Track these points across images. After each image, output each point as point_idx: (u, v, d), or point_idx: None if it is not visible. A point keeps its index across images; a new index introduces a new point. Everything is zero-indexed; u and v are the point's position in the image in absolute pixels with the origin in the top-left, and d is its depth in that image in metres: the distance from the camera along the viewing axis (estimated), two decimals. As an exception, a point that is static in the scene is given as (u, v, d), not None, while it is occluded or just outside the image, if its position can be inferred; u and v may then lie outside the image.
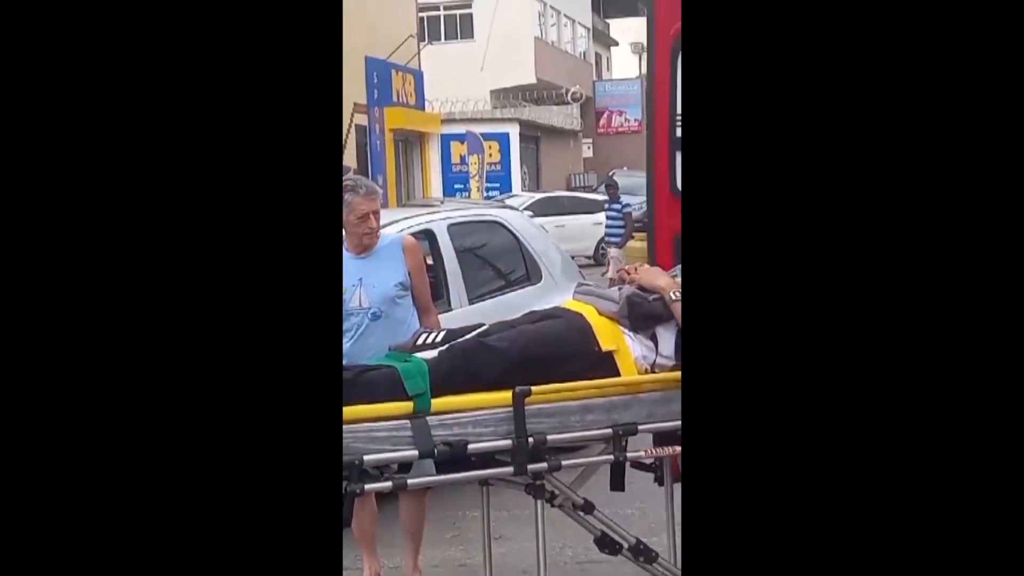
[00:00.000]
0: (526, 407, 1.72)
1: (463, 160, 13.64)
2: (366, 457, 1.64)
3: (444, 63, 14.28)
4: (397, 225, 3.55)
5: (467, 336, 1.89)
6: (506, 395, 1.71)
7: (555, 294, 3.98)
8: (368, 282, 2.46)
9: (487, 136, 13.36)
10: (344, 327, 2.34)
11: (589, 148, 18.61)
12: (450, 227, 3.73)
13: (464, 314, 3.66)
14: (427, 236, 3.69)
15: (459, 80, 14.41)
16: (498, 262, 4.04)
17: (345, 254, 2.40)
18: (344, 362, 1.87)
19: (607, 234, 8.66)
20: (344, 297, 2.35)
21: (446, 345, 1.87)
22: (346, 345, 2.30)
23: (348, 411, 1.60)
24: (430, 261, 3.87)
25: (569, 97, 17.24)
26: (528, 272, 3.97)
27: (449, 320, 3.61)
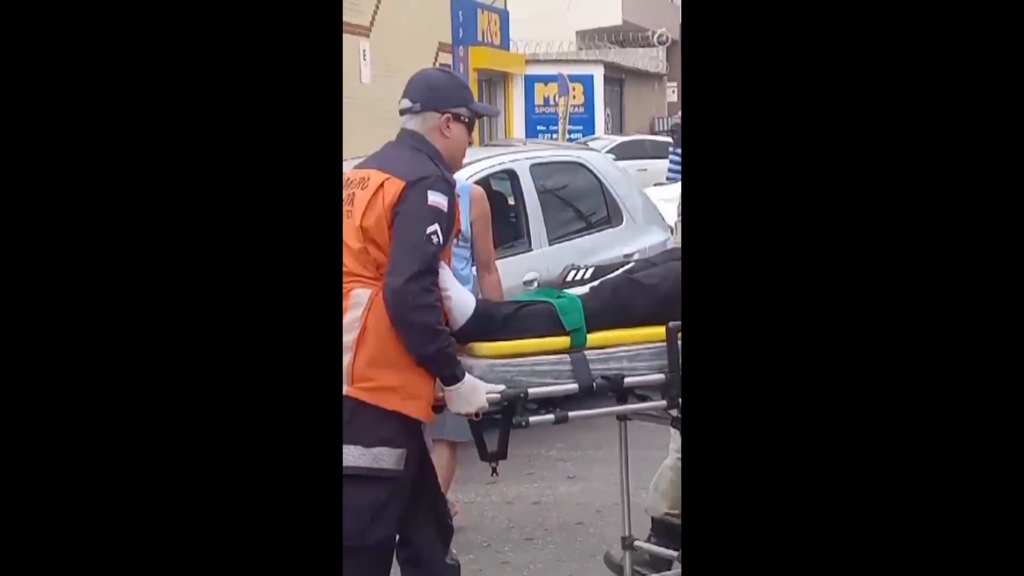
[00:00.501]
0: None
1: (546, 101, 13.52)
2: (530, 390, 1.69)
3: (530, 3, 14.00)
4: (480, 164, 3.56)
5: (616, 273, 1.92)
6: (660, 330, 1.74)
7: (637, 236, 3.99)
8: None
9: (572, 78, 13.13)
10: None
11: (674, 92, 18.04)
12: (532, 167, 3.74)
13: (545, 254, 3.73)
14: (509, 176, 3.74)
15: (544, 20, 14.19)
16: (580, 204, 4.05)
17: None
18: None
19: (668, 178, 8.51)
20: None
21: (596, 282, 1.90)
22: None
23: (510, 345, 1.69)
24: (511, 202, 3.91)
25: (655, 40, 16.65)
26: (609, 214, 3.96)
27: (529, 260, 3.74)
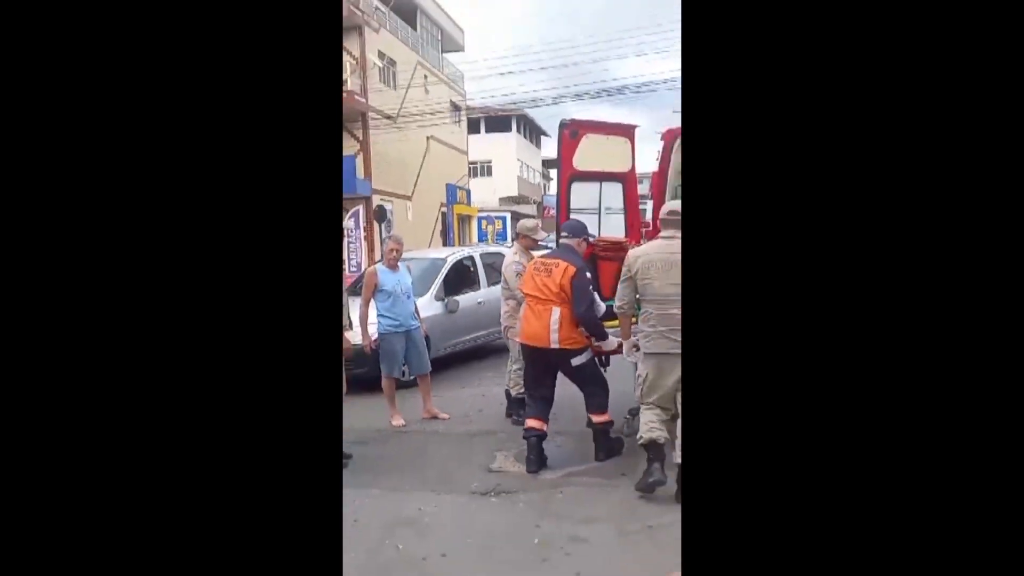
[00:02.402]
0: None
1: (485, 227, 28.46)
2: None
3: (480, 187, 29.53)
4: (460, 253, 8.21)
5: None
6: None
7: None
8: (400, 281, 5.25)
9: (498, 217, 28.18)
10: (393, 302, 5.25)
11: (541, 222, 38.45)
12: (481, 255, 8.42)
13: (485, 292, 7.90)
14: (470, 259, 8.19)
15: (487, 194, 30.40)
16: (499, 271, 7.90)
17: (383, 267, 5.34)
18: (394, 320, 5.20)
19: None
20: (387, 288, 5.25)
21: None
22: (395, 311, 5.29)
23: (610, 324, 4.04)
24: (472, 269, 8.13)
25: (532, 200, 33.87)
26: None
27: (478, 295, 7.85)
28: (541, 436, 4.37)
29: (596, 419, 4.43)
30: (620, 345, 4.28)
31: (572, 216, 5.30)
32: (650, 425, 3.77)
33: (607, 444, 4.49)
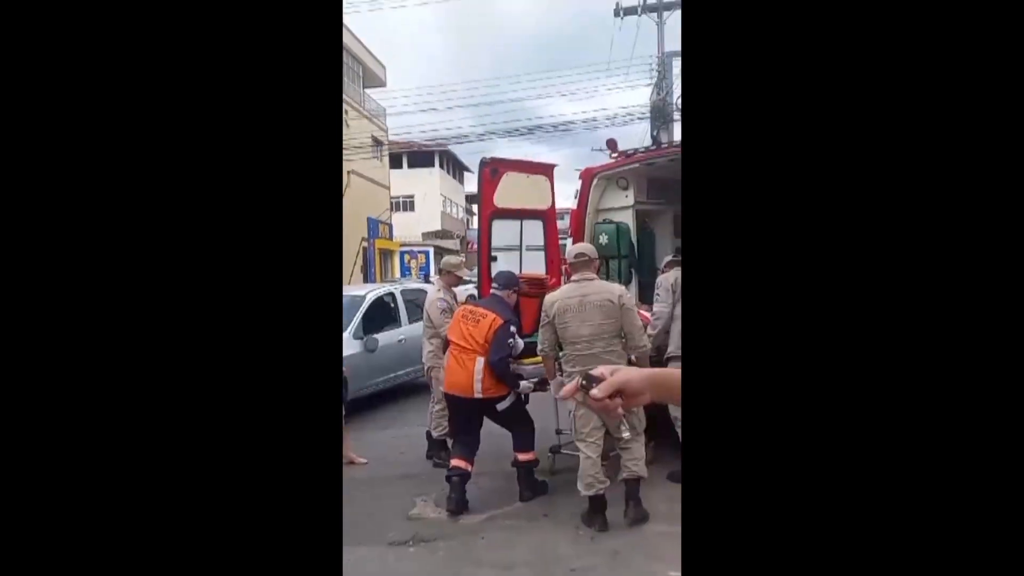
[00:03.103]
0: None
1: (408, 262, 28.16)
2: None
3: (402, 221, 29.17)
4: (381, 289, 8.14)
5: None
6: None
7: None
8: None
9: (420, 251, 27.98)
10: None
11: (464, 257, 38.17)
12: (402, 291, 8.37)
13: (407, 329, 7.79)
14: (391, 295, 8.09)
15: (409, 227, 29.69)
16: (422, 305, 7.85)
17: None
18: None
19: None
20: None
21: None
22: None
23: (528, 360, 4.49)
24: (393, 305, 7.96)
25: (455, 235, 33.34)
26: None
27: (399, 332, 7.70)
28: (465, 476, 4.32)
29: (522, 457, 4.43)
30: (543, 381, 4.32)
31: (493, 251, 5.31)
32: (589, 480, 3.87)
33: (532, 483, 4.47)
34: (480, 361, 4.21)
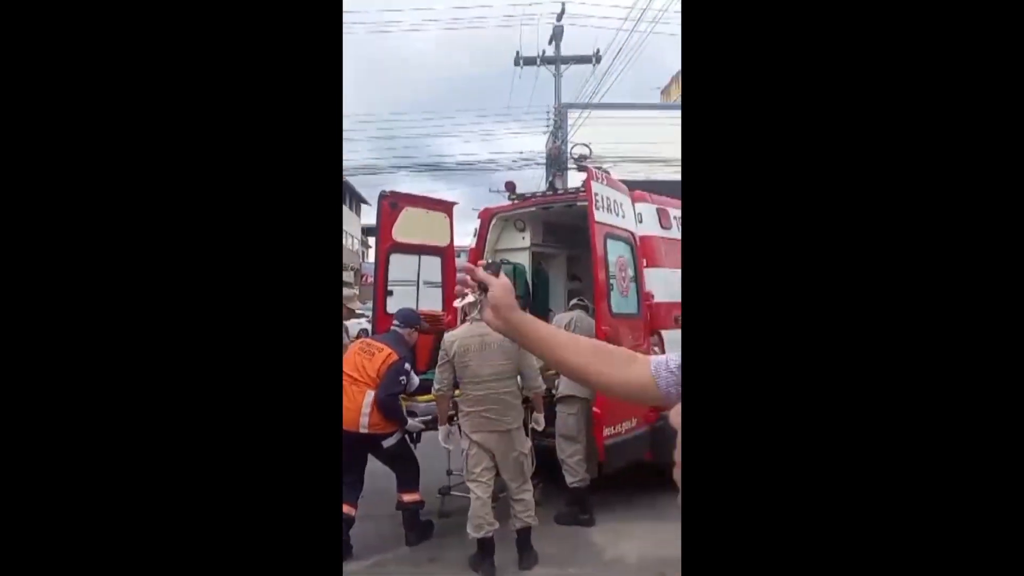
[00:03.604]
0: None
1: None
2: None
3: None
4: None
5: None
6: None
7: None
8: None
9: None
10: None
11: (358, 289, 34.80)
12: None
13: None
14: None
15: None
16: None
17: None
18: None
19: None
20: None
21: None
22: None
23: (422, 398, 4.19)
24: None
25: (351, 267, 32.68)
26: None
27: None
28: (350, 522, 4.13)
29: (407, 498, 4.32)
30: (434, 419, 4.26)
31: (390, 286, 5.22)
32: (479, 521, 3.87)
33: (418, 526, 4.34)
34: (370, 395, 4.12)
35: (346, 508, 4.13)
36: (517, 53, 17.02)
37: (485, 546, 3.87)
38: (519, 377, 4.02)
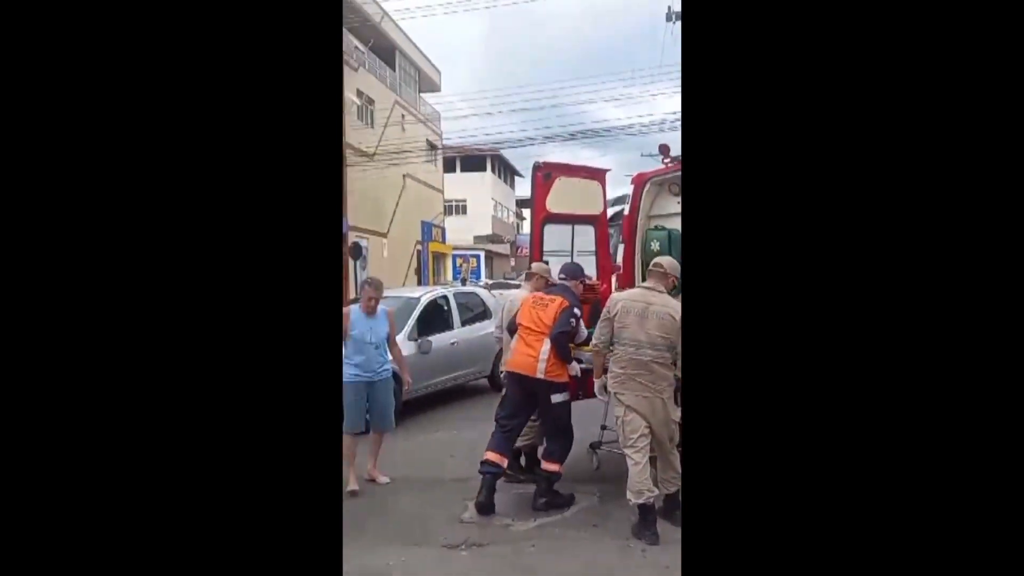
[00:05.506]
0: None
1: (460, 265, 28.32)
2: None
3: (454, 225, 29.48)
4: (434, 292, 8.16)
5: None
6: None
7: (494, 322, 8.10)
8: (374, 329, 4.70)
9: (472, 255, 28.29)
10: (358, 349, 4.65)
11: (514, 261, 34.96)
12: (455, 294, 8.48)
13: (459, 331, 7.87)
14: (446, 298, 8.15)
15: (461, 232, 30.34)
16: (473, 308, 8.57)
17: (358, 311, 4.72)
18: (357, 369, 4.62)
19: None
20: (356, 335, 4.64)
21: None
22: (360, 359, 4.66)
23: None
24: (446, 308, 8.08)
25: (506, 239, 33.45)
26: (485, 312, 8.53)
27: (451, 335, 7.79)
28: (497, 473, 4.31)
29: (548, 467, 4.43)
30: (590, 381, 4.42)
31: (545, 256, 5.30)
32: (639, 487, 3.84)
33: (549, 495, 4.42)
34: (547, 343, 4.30)
35: (497, 458, 4.31)
36: (668, 8, 16.32)
37: (646, 513, 3.85)
38: (674, 353, 3.94)
